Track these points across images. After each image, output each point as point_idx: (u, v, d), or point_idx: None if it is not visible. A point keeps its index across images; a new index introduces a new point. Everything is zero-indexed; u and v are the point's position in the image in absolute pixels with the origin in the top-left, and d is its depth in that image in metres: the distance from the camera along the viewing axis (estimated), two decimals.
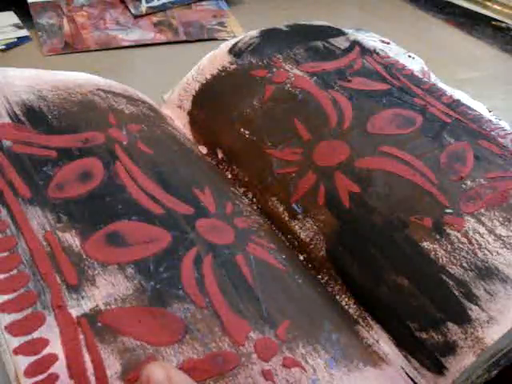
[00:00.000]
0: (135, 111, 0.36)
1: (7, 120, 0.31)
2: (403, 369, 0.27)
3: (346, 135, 0.34)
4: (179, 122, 0.39)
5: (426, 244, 0.28)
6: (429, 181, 0.31)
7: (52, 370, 0.21)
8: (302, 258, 0.31)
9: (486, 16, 0.66)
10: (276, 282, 0.28)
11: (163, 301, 0.25)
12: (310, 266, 0.31)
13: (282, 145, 0.35)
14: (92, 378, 0.21)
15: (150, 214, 0.28)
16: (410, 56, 0.43)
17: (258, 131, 0.36)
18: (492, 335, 0.25)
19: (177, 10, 0.61)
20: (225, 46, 0.41)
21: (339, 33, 0.43)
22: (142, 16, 0.59)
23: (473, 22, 0.65)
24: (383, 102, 0.36)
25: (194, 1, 0.62)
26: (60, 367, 0.21)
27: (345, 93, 0.36)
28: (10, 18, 0.57)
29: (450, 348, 0.26)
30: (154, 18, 0.59)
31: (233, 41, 0.41)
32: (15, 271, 0.24)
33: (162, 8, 0.60)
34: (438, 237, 0.28)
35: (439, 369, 0.26)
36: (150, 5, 0.60)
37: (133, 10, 0.59)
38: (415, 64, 0.42)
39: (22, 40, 0.54)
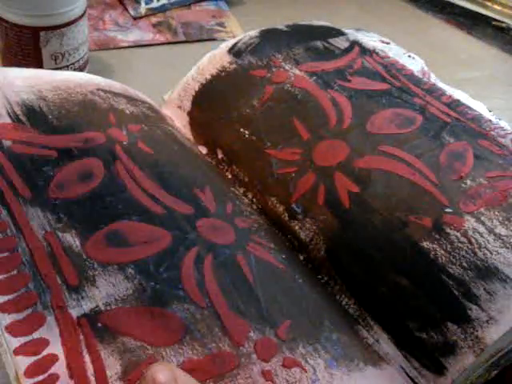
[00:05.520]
0: (135, 111, 0.36)
1: (7, 120, 0.31)
2: (403, 368, 0.27)
3: (345, 135, 0.34)
4: (179, 122, 0.39)
5: (425, 244, 0.28)
6: (428, 180, 0.31)
7: (52, 370, 0.21)
8: (301, 257, 0.31)
9: (486, 16, 0.66)
10: (276, 282, 0.28)
11: (163, 301, 0.25)
12: (309, 265, 0.31)
13: (281, 145, 0.35)
14: (92, 379, 0.21)
15: (151, 213, 0.28)
16: (410, 56, 0.43)
17: (257, 131, 0.36)
18: (492, 335, 0.25)
19: (176, 10, 0.61)
20: (224, 45, 0.41)
21: (339, 33, 0.43)
22: (141, 17, 0.59)
23: (473, 22, 0.65)
24: (383, 101, 0.36)
25: (193, 1, 0.62)
26: (60, 367, 0.21)
27: (344, 92, 0.36)
28: None
29: (450, 348, 0.26)
30: (153, 19, 0.59)
31: (232, 41, 0.41)
32: (15, 271, 0.24)
33: (162, 9, 0.60)
34: (437, 236, 0.28)
35: (439, 368, 0.26)
36: (150, 6, 0.60)
37: (132, 12, 0.59)
38: (415, 64, 0.42)
39: None
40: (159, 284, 0.25)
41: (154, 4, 0.60)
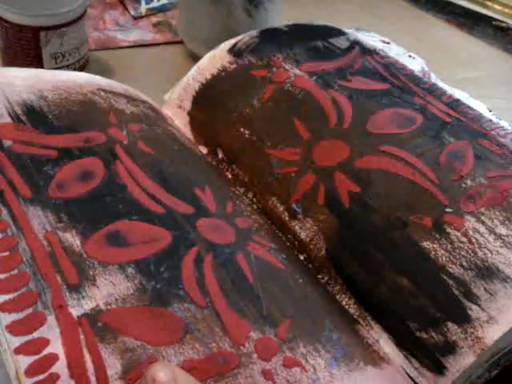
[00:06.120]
0: (136, 111, 0.36)
1: (8, 120, 0.31)
2: (403, 368, 0.27)
3: (345, 135, 0.34)
4: (179, 121, 0.39)
5: (425, 243, 0.28)
6: (429, 180, 0.31)
7: (53, 369, 0.21)
8: (302, 257, 0.31)
9: (486, 16, 0.66)
10: (277, 282, 0.28)
11: (164, 301, 0.25)
12: (310, 265, 0.31)
13: (281, 145, 0.35)
14: (92, 378, 0.21)
15: (151, 213, 0.28)
16: (410, 56, 0.43)
17: (257, 131, 0.36)
18: (492, 335, 0.25)
19: (176, 10, 0.61)
20: (224, 45, 0.41)
21: (339, 33, 0.43)
22: (141, 17, 0.59)
23: (473, 22, 0.65)
24: (383, 101, 0.36)
25: None
26: (61, 367, 0.21)
27: (345, 92, 0.36)
28: None
29: (450, 348, 0.26)
30: (154, 19, 0.59)
31: (232, 40, 0.41)
32: (16, 271, 0.24)
33: (162, 9, 0.60)
34: (437, 236, 0.28)
35: (439, 368, 0.26)
36: (150, 6, 0.60)
37: (132, 12, 0.59)
38: (415, 64, 0.42)
39: None
40: (159, 284, 0.25)
41: (155, 4, 0.60)
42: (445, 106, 0.36)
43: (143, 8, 0.60)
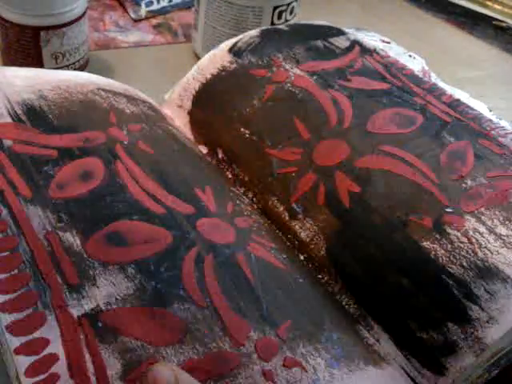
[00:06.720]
0: (136, 111, 0.36)
1: (8, 120, 0.31)
2: (403, 368, 0.27)
3: (346, 134, 0.34)
4: (179, 121, 0.39)
5: (426, 243, 0.28)
6: (429, 180, 0.31)
7: (53, 369, 0.21)
8: (302, 257, 0.31)
9: (486, 16, 0.66)
10: (277, 282, 0.28)
11: (164, 301, 0.25)
12: (310, 265, 0.31)
13: (281, 144, 0.35)
14: (93, 378, 0.21)
15: (151, 213, 0.28)
16: (410, 56, 0.43)
17: (257, 131, 0.36)
18: (492, 335, 0.25)
19: (176, 12, 0.61)
20: (225, 45, 0.41)
21: (339, 32, 0.43)
22: (141, 20, 0.59)
23: (473, 22, 0.65)
24: (383, 101, 0.36)
25: (193, 3, 0.62)
26: (61, 367, 0.21)
27: (345, 92, 0.36)
28: None
29: (450, 348, 0.26)
30: (154, 21, 0.59)
31: (233, 40, 0.41)
32: (16, 271, 0.24)
33: (162, 12, 0.60)
34: (438, 236, 0.28)
35: (439, 368, 0.26)
36: (150, 9, 0.60)
37: (132, 15, 0.59)
38: (416, 64, 0.42)
39: None
40: (160, 284, 0.25)
41: (155, 6, 0.60)
42: (445, 105, 0.36)
43: (143, 10, 0.60)
